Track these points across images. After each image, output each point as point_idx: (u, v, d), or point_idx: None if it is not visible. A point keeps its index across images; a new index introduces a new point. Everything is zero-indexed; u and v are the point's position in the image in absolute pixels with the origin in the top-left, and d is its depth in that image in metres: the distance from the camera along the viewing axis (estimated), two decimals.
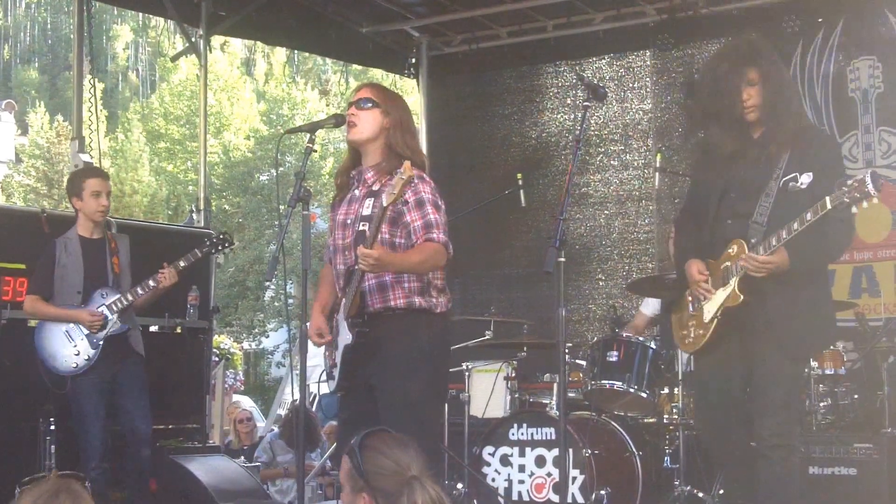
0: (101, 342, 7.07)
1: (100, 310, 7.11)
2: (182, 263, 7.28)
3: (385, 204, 4.95)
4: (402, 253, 5.20)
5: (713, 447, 5.72)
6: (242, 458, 11.15)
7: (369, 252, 4.93)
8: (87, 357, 7.08)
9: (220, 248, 7.56)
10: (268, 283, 30.69)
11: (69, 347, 7.12)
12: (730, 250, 5.25)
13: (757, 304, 5.18)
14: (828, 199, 4.80)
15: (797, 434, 5.53)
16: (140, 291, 7.16)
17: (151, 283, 7.14)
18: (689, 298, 5.48)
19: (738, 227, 5.25)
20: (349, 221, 5.36)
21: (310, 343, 5.43)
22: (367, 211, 5.25)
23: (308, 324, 5.43)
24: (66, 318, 7.13)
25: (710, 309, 5.32)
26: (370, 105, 5.38)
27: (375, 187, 5.29)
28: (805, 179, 5.12)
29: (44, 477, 3.58)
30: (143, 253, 7.64)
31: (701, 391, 5.74)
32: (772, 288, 5.13)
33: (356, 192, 5.42)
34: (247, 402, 19.90)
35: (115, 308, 7.13)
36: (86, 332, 7.09)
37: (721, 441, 5.49)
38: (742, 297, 5.15)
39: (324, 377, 5.54)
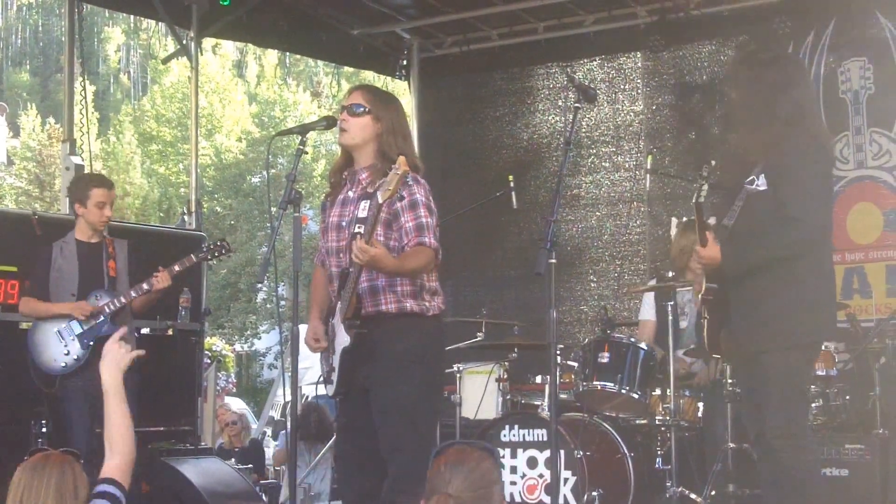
0: (91, 343, 7.07)
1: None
2: (177, 268, 7.29)
3: (381, 201, 4.93)
4: (398, 258, 5.17)
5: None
6: (233, 459, 11.14)
7: (366, 248, 4.90)
8: (76, 357, 7.11)
9: (216, 254, 7.48)
10: (260, 285, 30.86)
11: (59, 347, 7.14)
12: None
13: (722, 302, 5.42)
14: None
15: (804, 429, 5.53)
16: (134, 294, 7.17)
17: (145, 286, 7.14)
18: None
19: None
20: (344, 224, 5.34)
21: (301, 345, 5.42)
22: (362, 213, 5.21)
23: (300, 326, 5.42)
24: (58, 312, 7.15)
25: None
26: (361, 110, 5.35)
27: (370, 189, 5.25)
28: (762, 181, 5.28)
29: (43, 450, 3.74)
30: (135, 255, 7.61)
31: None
32: (730, 285, 5.38)
33: (350, 193, 5.39)
34: (238, 404, 19.91)
35: (107, 310, 7.14)
36: (77, 332, 7.11)
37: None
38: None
39: (319, 379, 5.53)
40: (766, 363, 5.32)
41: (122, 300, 7.15)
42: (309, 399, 11.50)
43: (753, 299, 5.34)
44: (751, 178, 5.31)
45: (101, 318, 7.12)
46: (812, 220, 5.25)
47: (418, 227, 5.21)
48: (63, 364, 7.12)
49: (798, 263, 5.32)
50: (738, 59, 5.73)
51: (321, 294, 5.54)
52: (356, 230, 5.18)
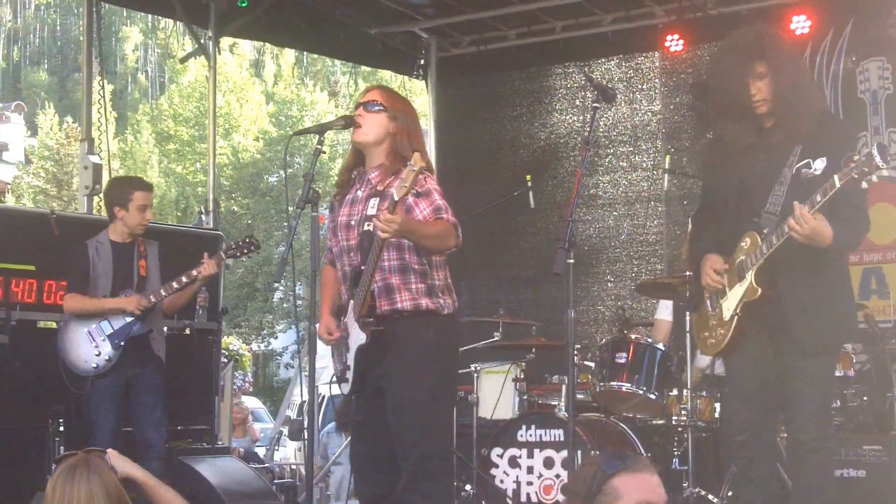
0: (122, 343, 7.12)
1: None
2: (224, 257, 7.53)
3: (396, 198, 4.90)
4: (421, 222, 5.16)
5: (745, 447, 5.32)
6: (242, 450, 11.20)
7: (392, 217, 4.88)
8: (107, 358, 7.12)
9: (245, 251, 7.58)
10: (277, 285, 30.94)
11: (90, 348, 7.13)
12: (742, 244, 5.16)
13: (774, 299, 5.07)
14: (836, 177, 4.64)
15: (833, 435, 5.46)
16: (164, 293, 7.21)
17: (185, 278, 7.18)
18: (707, 296, 5.36)
19: (755, 221, 5.14)
20: (353, 223, 5.33)
21: (319, 344, 5.42)
22: (371, 211, 5.21)
23: (317, 324, 5.42)
24: (110, 308, 7.17)
25: (729, 306, 5.20)
26: (378, 108, 5.35)
27: (380, 188, 5.27)
28: (819, 165, 4.97)
29: (73, 454, 3.73)
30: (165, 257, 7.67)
31: (733, 391, 5.57)
32: (787, 282, 5.05)
33: (358, 192, 5.39)
34: (255, 403, 19.96)
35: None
36: (108, 332, 7.13)
37: (755, 441, 5.27)
38: (760, 290, 5.05)
39: (332, 378, 5.53)
40: (802, 369, 5.08)
41: (152, 299, 7.18)
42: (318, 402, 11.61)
43: (811, 300, 5.05)
44: (805, 161, 5.01)
45: (131, 318, 7.16)
46: (864, 205, 5.04)
47: (435, 209, 5.20)
48: (95, 365, 7.11)
49: (841, 264, 5.17)
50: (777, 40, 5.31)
51: (332, 291, 5.53)
52: (366, 228, 5.18)
